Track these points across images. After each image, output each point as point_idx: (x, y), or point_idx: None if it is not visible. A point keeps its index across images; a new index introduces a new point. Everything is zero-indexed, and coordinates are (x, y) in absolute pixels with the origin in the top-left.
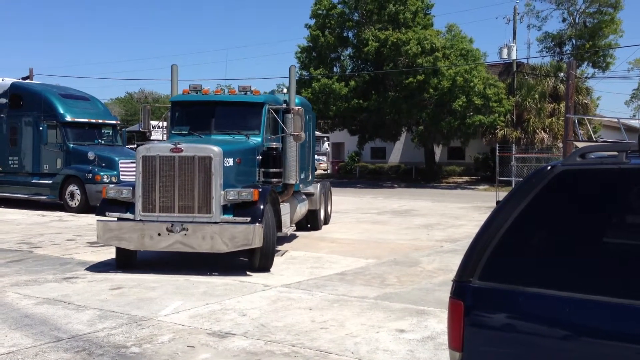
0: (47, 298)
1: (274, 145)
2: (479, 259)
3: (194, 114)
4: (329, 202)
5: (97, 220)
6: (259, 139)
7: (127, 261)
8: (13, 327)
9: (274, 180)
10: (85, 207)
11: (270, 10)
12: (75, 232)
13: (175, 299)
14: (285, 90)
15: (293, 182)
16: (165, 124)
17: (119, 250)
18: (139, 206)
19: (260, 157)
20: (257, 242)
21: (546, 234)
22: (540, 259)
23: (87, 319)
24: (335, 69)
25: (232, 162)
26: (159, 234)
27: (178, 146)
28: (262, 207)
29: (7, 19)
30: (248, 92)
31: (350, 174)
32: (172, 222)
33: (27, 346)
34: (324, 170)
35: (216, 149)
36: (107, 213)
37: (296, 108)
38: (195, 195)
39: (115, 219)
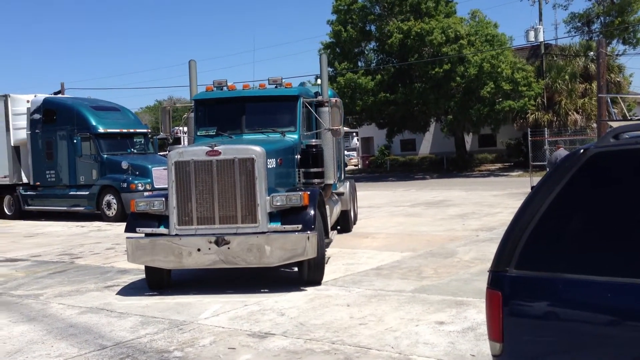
0: (90, 307)
1: (314, 142)
2: (515, 248)
3: (221, 113)
4: (356, 201)
5: (127, 238)
6: (296, 136)
7: (160, 281)
8: (58, 337)
9: (316, 180)
10: (122, 216)
11: (292, 9)
12: (114, 241)
13: (213, 302)
14: (318, 82)
15: (331, 181)
16: (185, 128)
17: (149, 270)
18: (173, 219)
19: (298, 156)
20: (311, 253)
21: (582, 218)
22: (577, 244)
23: (129, 326)
24: (359, 64)
25: (274, 163)
26: (199, 250)
27: (215, 148)
28: (312, 212)
29: (37, 39)
30: (279, 86)
31: (381, 168)
32: (213, 235)
33: (73, 355)
34: (355, 165)
35: (258, 149)
36: (137, 229)
37: (333, 100)
38: (238, 202)
39: (144, 235)
